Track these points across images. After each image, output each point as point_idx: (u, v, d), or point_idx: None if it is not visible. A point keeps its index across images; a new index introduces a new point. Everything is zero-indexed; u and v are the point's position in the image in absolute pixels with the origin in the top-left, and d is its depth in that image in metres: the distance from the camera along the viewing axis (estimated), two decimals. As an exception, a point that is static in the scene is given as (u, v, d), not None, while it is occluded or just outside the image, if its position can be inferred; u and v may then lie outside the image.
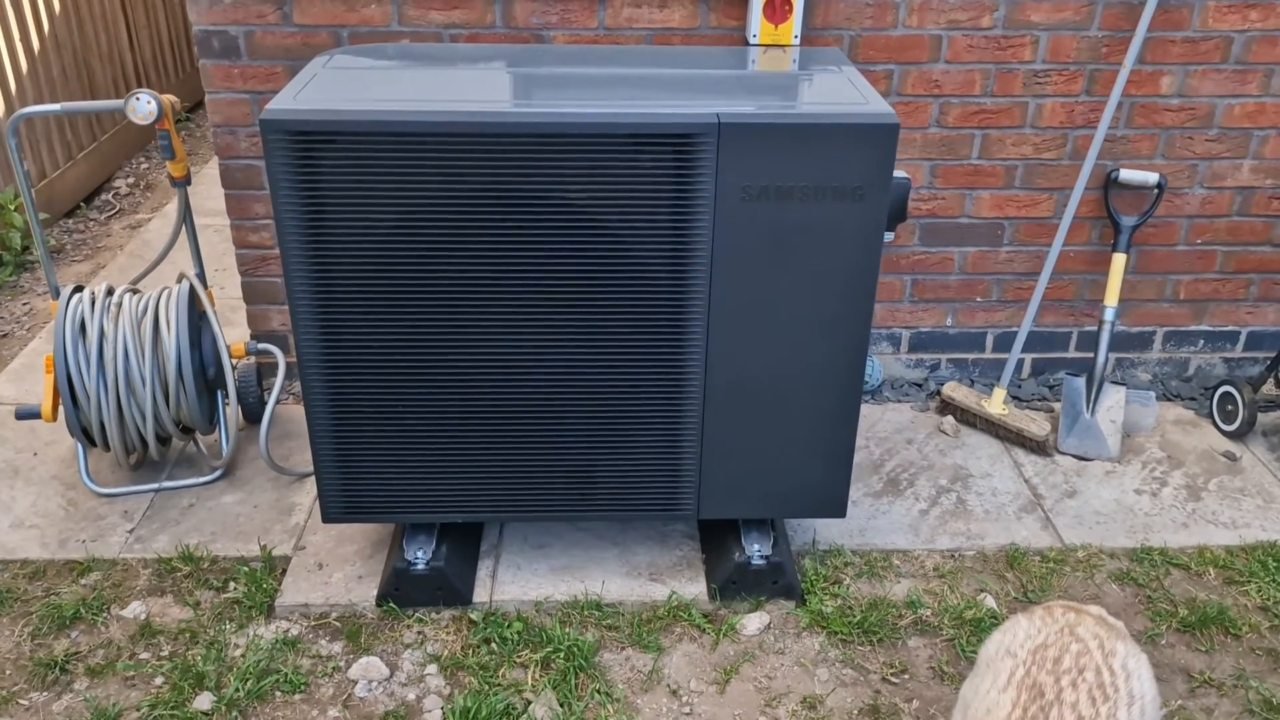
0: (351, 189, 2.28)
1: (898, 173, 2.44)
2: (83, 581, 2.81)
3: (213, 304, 3.12)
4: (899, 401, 3.64)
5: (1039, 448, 3.37)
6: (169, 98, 2.85)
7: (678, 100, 2.37)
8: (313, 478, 3.16)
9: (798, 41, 3.08)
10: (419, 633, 2.68)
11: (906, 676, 2.59)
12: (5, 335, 4.03)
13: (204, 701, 2.47)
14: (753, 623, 2.71)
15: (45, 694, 2.50)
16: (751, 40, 3.07)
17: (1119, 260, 3.39)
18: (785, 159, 2.30)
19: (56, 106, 2.91)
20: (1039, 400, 3.66)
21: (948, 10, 3.16)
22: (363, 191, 2.29)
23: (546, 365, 2.49)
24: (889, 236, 2.54)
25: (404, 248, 2.35)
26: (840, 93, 2.46)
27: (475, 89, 2.45)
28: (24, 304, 4.26)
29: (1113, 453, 3.35)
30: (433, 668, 2.58)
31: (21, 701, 2.48)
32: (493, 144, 2.25)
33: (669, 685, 2.55)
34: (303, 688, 2.52)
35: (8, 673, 2.55)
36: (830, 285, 2.44)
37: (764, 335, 2.48)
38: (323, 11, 3.07)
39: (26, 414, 3.05)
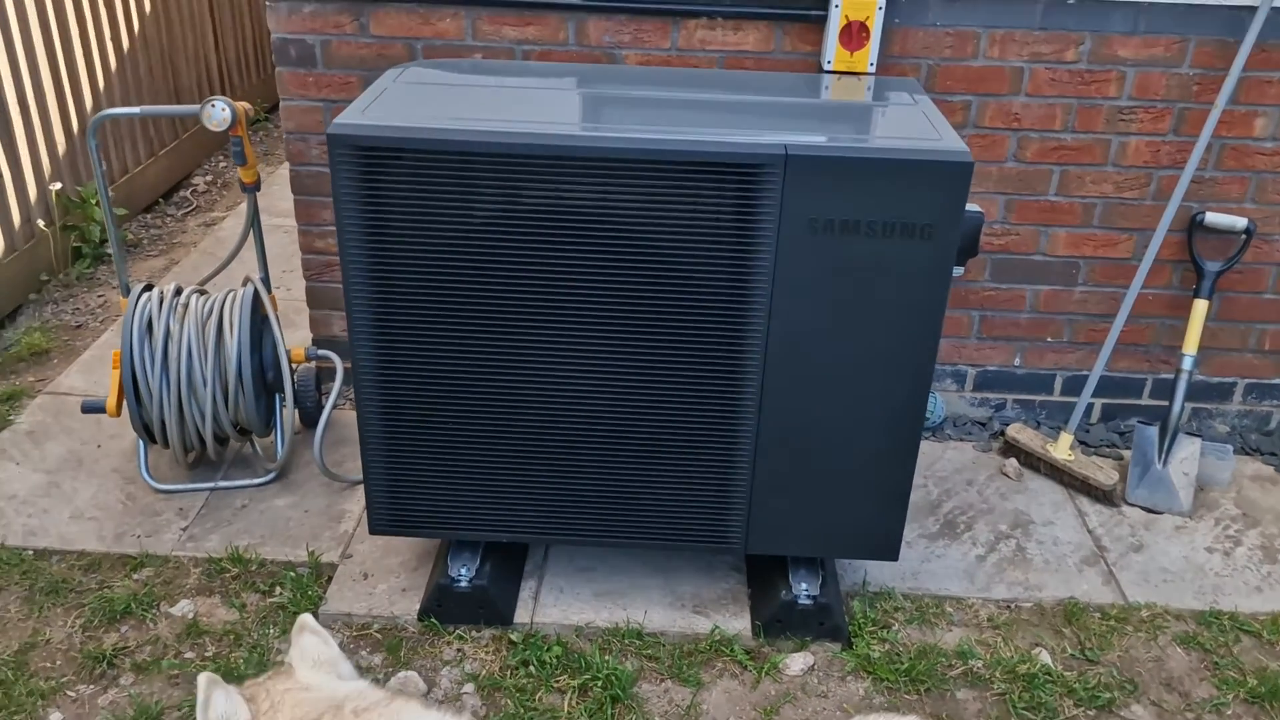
0: (413, 204, 2.28)
1: (970, 206, 2.37)
2: (135, 576, 2.86)
3: (275, 308, 3.15)
4: (961, 440, 3.54)
5: (1105, 497, 3.25)
6: (243, 105, 2.89)
7: (746, 128, 2.33)
8: (363, 485, 3.17)
9: (873, 70, 3.02)
10: (458, 650, 2.66)
11: (953, 730, 2.51)
12: (79, 326, 4.14)
13: (243, 706, 2.48)
14: (796, 663, 2.65)
15: (92, 687, 2.54)
16: (826, 67, 3.02)
17: (1200, 306, 3.26)
18: (853, 193, 2.24)
19: (136, 110, 2.98)
20: (1107, 447, 3.52)
21: (1031, 42, 3.07)
22: (424, 207, 2.28)
23: (599, 389, 2.47)
24: (958, 271, 2.47)
25: (462, 265, 2.34)
26: (914, 126, 2.40)
27: (544, 108, 2.44)
28: (99, 296, 4.37)
29: (1184, 507, 3.21)
30: (470, 686, 2.57)
31: (69, 693, 2.52)
32: (554, 167, 2.23)
33: (707, 722, 2.50)
34: (340, 698, 2.52)
35: (58, 663, 2.59)
36: (894, 323, 2.37)
37: (823, 370, 2.42)
38: (398, 24, 3.10)
39: (92, 408, 3.12)
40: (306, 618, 1.72)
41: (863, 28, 2.96)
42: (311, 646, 1.68)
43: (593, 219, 2.29)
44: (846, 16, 2.94)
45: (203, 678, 1.54)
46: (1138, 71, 3.10)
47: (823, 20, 3.02)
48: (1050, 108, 3.15)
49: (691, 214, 2.27)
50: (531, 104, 2.47)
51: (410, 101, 2.44)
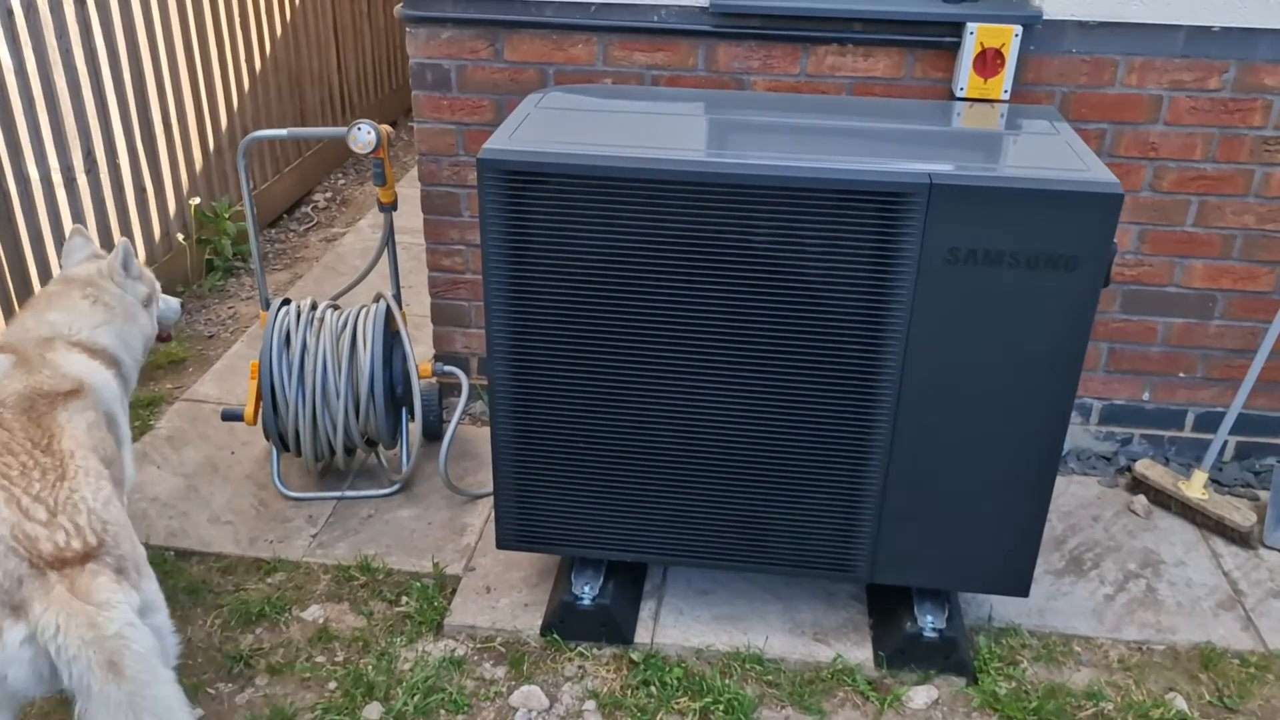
0: (555, 227, 2.33)
1: (1111, 240, 2.32)
2: (268, 580, 2.96)
3: (406, 325, 3.25)
4: (1085, 474, 3.45)
5: (1241, 539, 3.13)
6: (386, 128, 3.00)
7: (884, 155, 2.33)
8: (485, 499, 3.24)
9: (1007, 97, 2.99)
10: (580, 667, 2.69)
11: (1086, 775, 2.44)
12: (211, 337, 4.32)
13: (373, 711, 2.55)
14: (920, 696, 2.61)
15: (230, 685, 2.64)
16: (959, 94, 2.99)
17: (1347, 344, 3.13)
18: (997, 224, 2.22)
19: (284, 132, 3.10)
20: (1242, 487, 3.40)
21: (1172, 70, 3.00)
22: (565, 230, 2.33)
23: (729, 413, 2.48)
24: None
25: (599, 287, 2.38)
26: (1058, 156, 2.36)
27: (680, 135, 2.48)
28: (229, 308, 4.55)
29: (1327, 553, 3.08)
30: (591, 704, 2.59)
31: (209, 690, 2.62)
32: (695, 193, 2.26)
33: (830, 752, 2.48)
34: (466, 709, 2.57)
35: (199, 661, 2.70)
36: (1033, 355, 2.33)
37: (958, 401, 2.39)
38: (532, 49, 3.17)
39: (231, 416, 3.25)
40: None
41: (998, 54, 2.93)
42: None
43: (731, 245, 2.31)
44: (982, 44, 2.91)
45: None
46: (1285, 100, 3.00)
47: (956, 47, 3.00)
48: (1190, 137, 3.07)
49: (831, 242, 2.28)
50: (668, 130, 2.50)
51: (552, 126, 2.49)
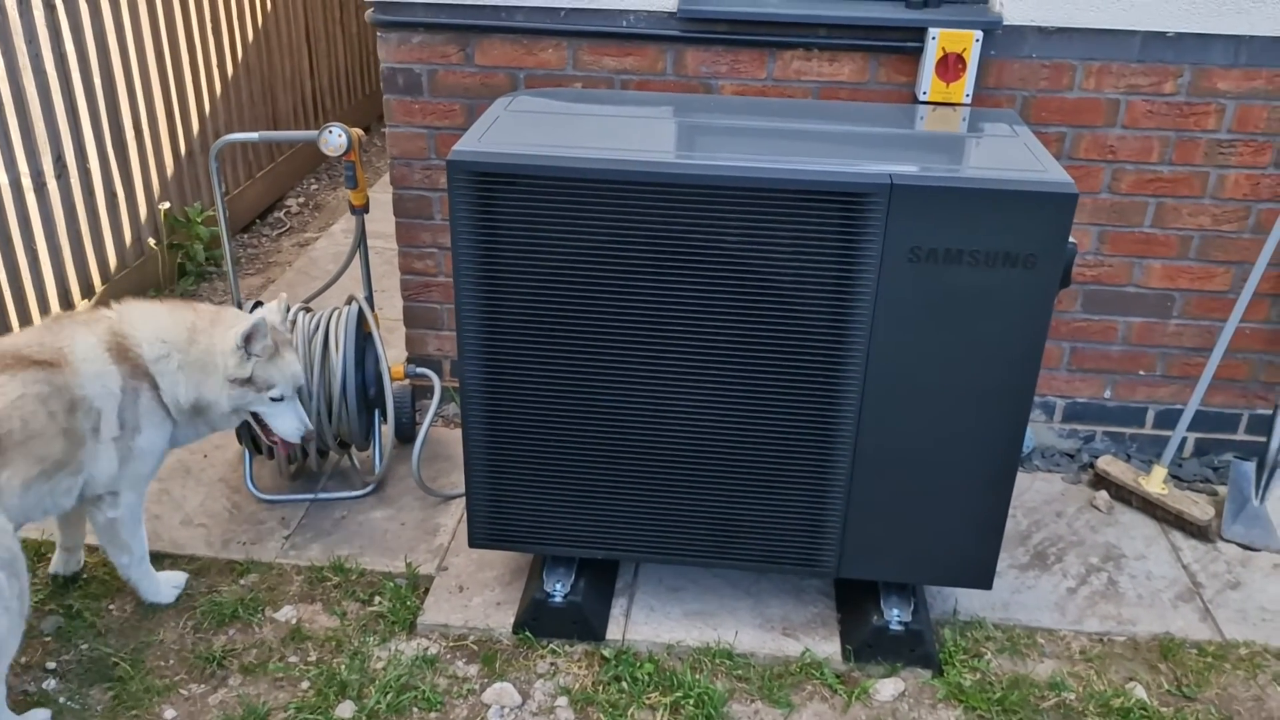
0: (525, 228, 2.37)
1: (1068, 240, 2.38)
2: (241, 582, 2.97)
3: (378, 327, 3.26)
4: (1049, 471, 3.51)
5: (1200, 533, 3.20)
6: (357, 132, 3.02)
7: (847, 157, 2.38)
8: (458, 500, 3.26)
9: (968, 101, 3.05)
10: (552, 664, 2.72)
11: (1048, 763, 2.49)
12: (184, 340, 4.31)
13: (346, 710, 2.56)
14: (887, 688, 2.66)
15: (203, 686, 2.64)
16: (921, 97, 3.05)
17: (1300, 342, 3.21)
18: (956, 223, 2.27)
19: (255, 135, 3.12)
20: (1200, 482, 3.47)
21: (1128, 74, 3.07)
22: (534, 231, 2.37)
23: (698, 411, 2.52)
24: (1051, 302, 2.48)
25: (569, 287, 2.41)
26: (1016, 157, 2.42)
27: (648, 137, 2.52)
28: (201, 312, 4.54)
29: (1282, 545, 3.16)
30: (563, 700, 2.62)
31: (182, 691, 2.62)
32: (662, 194, 2.30)
33: (798, 744, 2.51)
34: (439, 706, 2.59)
35: (171, 662, 2.70)
36: (994, 352, 2.39)
37: (921, 398, 2.44)
38: (502, 54, 3.21)
39: (203, 418, 3.25)
40: None
41: (959, 59, 2.99)
42: None
43: (697, 245, 2.35)
44: (944, 49, 2.97)
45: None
46: (1238, 104, 3.08)
47: (919, 52, 3.06)
48: (1147, 140, 3.15)
49: (795, 241, 2.32)
50: (637, 133, 2.54)
51: (522, 129, 2.53)
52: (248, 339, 2.59)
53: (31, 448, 2.36)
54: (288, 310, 3.20)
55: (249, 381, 2.62)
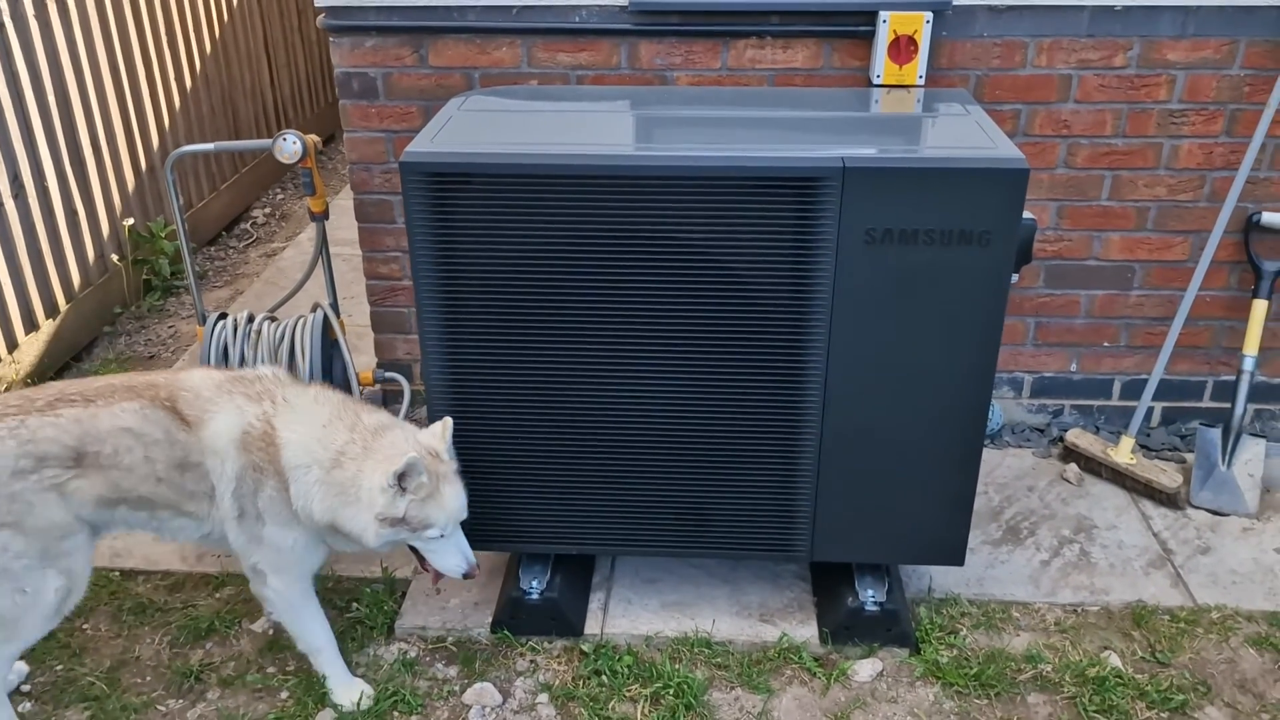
0: (482, 227, 2.36)
1: (1023, 214, 2.40)
2: (218, 595, 2.96)
3: (344, 333, 3.25)
4: (1019, 447, 3.54)
5: (1169, 500, 3.23)
6: (312, 138, 3.00)
7: (802, 143, 2.39)
8: (432, 503, 3.25)
9: (922, 82, 3.07)
10: (531, 661, 2.72)
11: (1026, 734, 2.51)
12: (152, 357, 4.28)
13: (326, 717, 2.56)
14: (865, 669, 2.67)
15: (181, 701, 2.63)
16: (875, 81, 3.07)
17: (1260, 307, 3.25)
18: (910, 203, 2.29)
19: (210, 145, 3.10)
20: (1169, 450, 3.51)
21: (1079, 49, 3.10)
22: (492, 229, 2.37)
23: (665, 402, 2.52)
24: (1013, 278, 2.50)
25: (530, 284, 2.41)
26: (968, 136, 2.44)
27: (602, 131, 2.52)
28: (169, 327, 4.52)
29: (1250, 509, 3.19)
30: (544, 697, 2.62)
31: (159, 708, 2.61)
32: (618, 186, 2.31)
33: (779, 729, 2.53)
34: (420, 709, 2.59)
35: (148, 679, 2.69)
36: (954, 330, 2.40)
37: (884, 379, 2.46)
38: (456, 54, 3.20)
39: (171, 433, 3.23)
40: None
41: (911, 41, 3.01)
42: None
43: (656, 236, 2.35)
44: (895, 31, 2.99)
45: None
46: (1188, 74, 3.11)
47: (871, 36, 3.07)
48: (1100, 113, 3.17)
49: (753, 228, 2.33)
50: (592, 127, 2.55)
51: (475, 128, 2.53)
52: (401, 476, 2.27)
53: (112, 476, 2.29)
54: (250, 320, 3.19)
55: (402, 520, 2.32)
